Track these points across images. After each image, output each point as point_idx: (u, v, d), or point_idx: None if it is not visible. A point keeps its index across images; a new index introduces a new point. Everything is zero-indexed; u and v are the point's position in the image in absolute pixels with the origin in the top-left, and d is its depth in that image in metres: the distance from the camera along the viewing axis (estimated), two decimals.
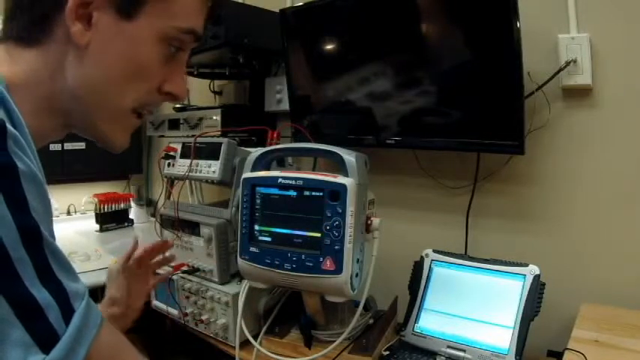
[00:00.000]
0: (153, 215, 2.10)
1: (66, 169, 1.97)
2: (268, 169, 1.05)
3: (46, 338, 0.40)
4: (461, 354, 0.94)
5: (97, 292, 1.09)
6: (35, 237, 0.41)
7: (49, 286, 0.41)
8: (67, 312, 0.42)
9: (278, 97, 1.52)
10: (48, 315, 0.40)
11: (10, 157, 0.39)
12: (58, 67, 0.50)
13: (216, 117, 1.37)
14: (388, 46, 1.15)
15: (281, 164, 1.29)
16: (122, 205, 2.04)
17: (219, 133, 1.35)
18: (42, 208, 0.42)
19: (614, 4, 0.98)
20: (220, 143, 1.19)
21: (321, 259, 0.89)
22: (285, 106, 1.44)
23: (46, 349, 0.40)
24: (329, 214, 0.89)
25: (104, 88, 0.51)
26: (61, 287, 0.42)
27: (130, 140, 0.58)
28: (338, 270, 0.88)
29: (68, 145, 1.93)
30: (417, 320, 1.02)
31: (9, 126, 0.40)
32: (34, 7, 0.49)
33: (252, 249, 0.98)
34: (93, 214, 1.98)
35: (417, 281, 1.05)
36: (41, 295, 0.40)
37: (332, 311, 1.05)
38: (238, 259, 1.01)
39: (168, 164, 1.30)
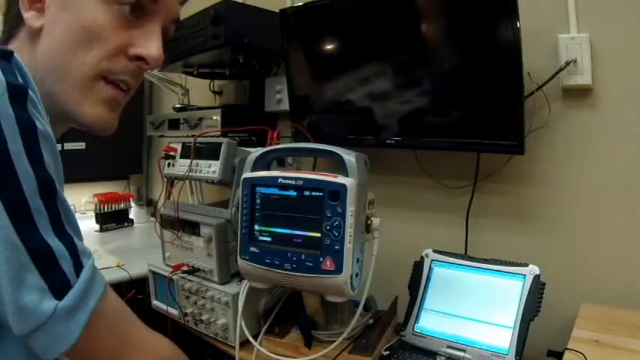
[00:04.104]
0: (153, 215, 2.10)
1: (66, 169, 1.96)
2: (268, 169, 1.05)
3: (59, 285, 0.43)
4: (461, 354, 0.94)
5: None
6: (51, 190, 0.44)
7: (62, 238, 0.44)
8: (78, 265, 0.45)
9: (278, 97, 1.52)
10: (61, 264, 0.43)
11: (30, 117, 0.42)
12: (31, 55, 0.52)
13: (216, 117, 1.37)
14: (388, 46, 1.15)
15: (281, 164, 1.29)
16: (122, 205, 2.04)
17: (219, 133, 1.35)
18: (54, 167, 0.45)
19: (614, 4, 0.98)
20: (220, 143, 1.19)
21: (321, 259, 0.89)
22: (285, 106, 1.44)
23: (58, 295, 0.43)
24: (329, 214, 0.89)
25: (59, 58, 0.52)
26: (72, 241, 0.45)
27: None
28: (338, 270, 0.88)
29: (68, 145, 1.93)
30: (417, 320, 1.02)
31: (29, 90, 0.43)
32: (10, 8, 0.54)
33: (252, 249, 0.98)
34: (93, 214, 1.98)
35: (417, 281, 1.05)
36: (55, 244, 0.43)
37: (332, 311, 1.05)
38: (238, 259, 1.01)
39: (168, 164, 1.30)
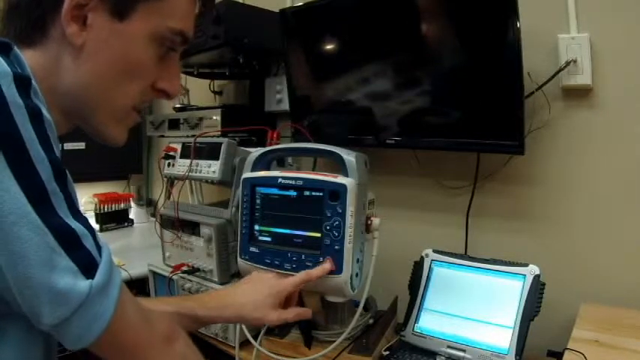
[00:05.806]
0: (153, 215, 2.10)
1: (66, 169, 1.97)
2: (268, 169, 1.05)
3: (87, 264, 0.44)
4: (461, 354, 0.94)
5: None
6: (63, 173, 0.45)
7: (79, 219, 0.45)
8: (97, 243, 0.46)
9: (278, 97, 1.52)
10: (85, 244, 0.45)
11: (37, 104, 0.43)
12: (55, 67, 0.52)
13: (216, 117, 1.37)
14: (388, 45, 1.15)
15: (281, 164, 1.29)
16: (122, 205, 2.04)
17: (219, 133, 1.35)
18: (58, 153, 0.46)
19: (614, 4, 0.98)
20: (220, 143, 1.19)
21: (321, 259, 0.89)
22: (285, 106, 1.44)
23: (88, 274, 0.44)
24: (329, 214, 0.89)
25: (101, 85, 0.53)
26: (88, 221, 0.46)
27: (130, 140, 0.60)
28: (338, 270, 0.88)
29: (68, 145, 1.93)
30: (417, 320, 1.02)
31: (33, 81, 0.44)
32: (31, 9, 0.51)
33: (252, 249, 0.98)
34: (93, 214, 1.98)
35: (417, 281, 1.05)
36: (75, 225, 0.44)
37: (332, 311, 1.05)
38: (238, 259, 1.01)
39: (168, 164, 1.30)
